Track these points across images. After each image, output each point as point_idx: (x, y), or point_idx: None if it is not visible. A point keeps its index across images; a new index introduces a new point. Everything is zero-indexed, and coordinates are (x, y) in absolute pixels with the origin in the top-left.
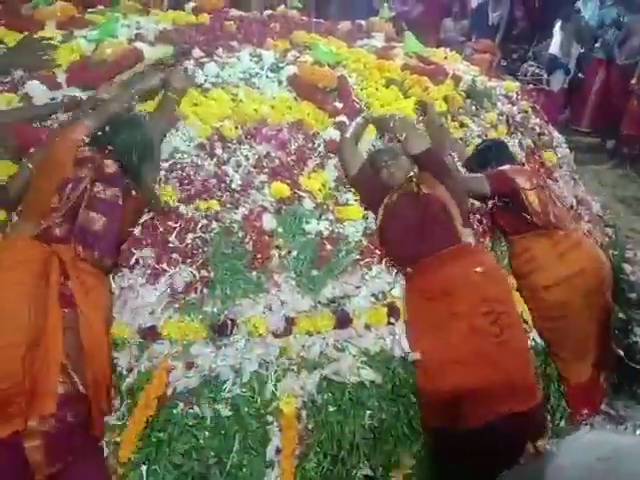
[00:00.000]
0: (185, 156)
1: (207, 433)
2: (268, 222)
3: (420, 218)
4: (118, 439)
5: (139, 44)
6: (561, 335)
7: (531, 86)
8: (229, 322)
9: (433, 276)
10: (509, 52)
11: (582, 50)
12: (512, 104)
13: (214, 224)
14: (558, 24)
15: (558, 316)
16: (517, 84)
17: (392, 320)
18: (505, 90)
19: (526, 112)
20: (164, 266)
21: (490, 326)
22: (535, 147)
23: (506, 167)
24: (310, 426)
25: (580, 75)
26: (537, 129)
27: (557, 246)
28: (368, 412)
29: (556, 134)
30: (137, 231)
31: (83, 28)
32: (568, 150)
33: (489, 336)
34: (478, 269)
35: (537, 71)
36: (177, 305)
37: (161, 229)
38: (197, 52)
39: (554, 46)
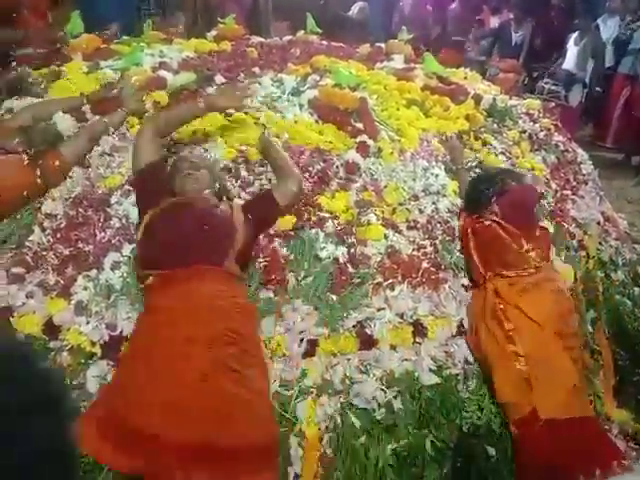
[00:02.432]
0: None
1: None
2: (281, 246)
3: (196, 227)
4: None
5: (163, 72)
6: None
7: (552, 104)
8: None
9: (177, 289)
10: (531, 71)
11: (597, 67)
12: (534, 122)
13: None
14: (572, 39)
15: None
16: (538, 102)
17: (418, 339)
18: (527, 108)
19: (549, 129)
20: None
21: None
22: (559, 163)
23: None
24: (334, 450)
25: (598, 89)
26: (560, 146)
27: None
28: (394, 436)
29: (580, 151)
30: None
31: (108, 59)
32: (592, 167)
33: (228, 371)
34: (225, 296)
35: (553, 88)
36: None
37: None
38: (219, 78)
39: (569, 61)
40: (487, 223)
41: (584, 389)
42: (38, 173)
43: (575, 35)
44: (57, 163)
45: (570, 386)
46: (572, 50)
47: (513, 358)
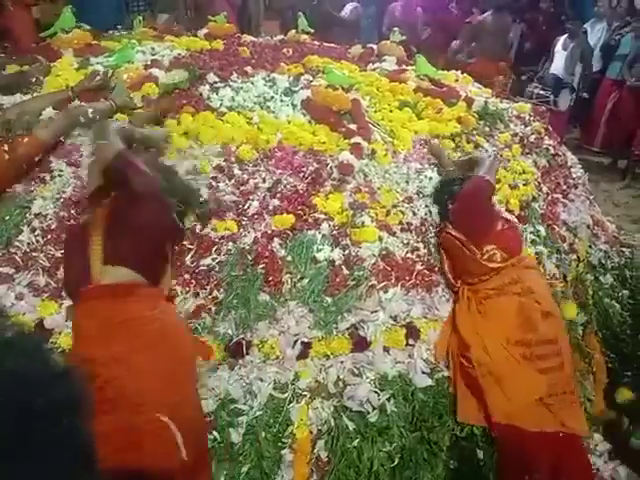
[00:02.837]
0: (201, 177)
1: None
2: (279, 248)
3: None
4: None
5: (155, 70)
6: None
7: (543, 108)
8: (244, 343)
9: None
10: (519, 74)
11: (585, 71)
12: (525, 125)
13: (230, 245)
14: (559, 43)
15: None
16: (529, 105)
17: (411, 341)
18: (517, 111)
19: (539, 133)
20: (178, 288)
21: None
22: (550, 167)
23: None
24: (327, 453)
25: (585, 95)
26: (551, 150)
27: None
28: (387, 438)
29: (570, 155)
30: None
31: (99, 55)
32: (582, 170)
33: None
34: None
35: (542, 92)
36: (191, 327)
37: (177, 248)
38: (212, 77)
39: (557, 66)
40: (444, 233)
41: (563, 402)
42: (5, 148)
43: (563, 39)
44: (26, 139)
45: (530, 398)
46: (560, 54)
47: (465, 365)
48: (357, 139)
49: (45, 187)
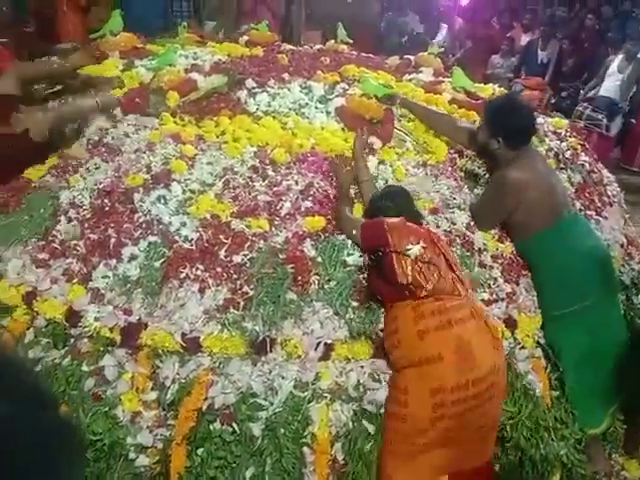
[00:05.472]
0: (238, 176)
1: (243, 451)
2: (309, 249)
3: None
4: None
5: (194, 74)
6: None
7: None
8: (268, 340)
9: None
10: (558, 90)
11: (636, 93)
12: (560, 140)
13: (262, 243)
14: (615, 64)
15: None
16: (566, 121)
17: None
18: (554, 127)
19: (575, 149)
20: (210, 280)
21: None
22: (585, 184)
23: (393, 220)
24: (344, 455)
25: (633, 120)
26: (587, 166)
27: (419, 321)
28: None
29: (605, 172)
30: (188, 245)
31: (143, 58)
32: (619, 189)
33: None
34: None
35: (592, 114)
36: (219, 319)
37: (212, 242)
38: (250, 82)
39: (609, 89)
40: None
41: None
42: None
43: (619, 60)
44: None
45: None
46: (615, 77)
47: None
48: (372, 139)
49: (76, 178)
